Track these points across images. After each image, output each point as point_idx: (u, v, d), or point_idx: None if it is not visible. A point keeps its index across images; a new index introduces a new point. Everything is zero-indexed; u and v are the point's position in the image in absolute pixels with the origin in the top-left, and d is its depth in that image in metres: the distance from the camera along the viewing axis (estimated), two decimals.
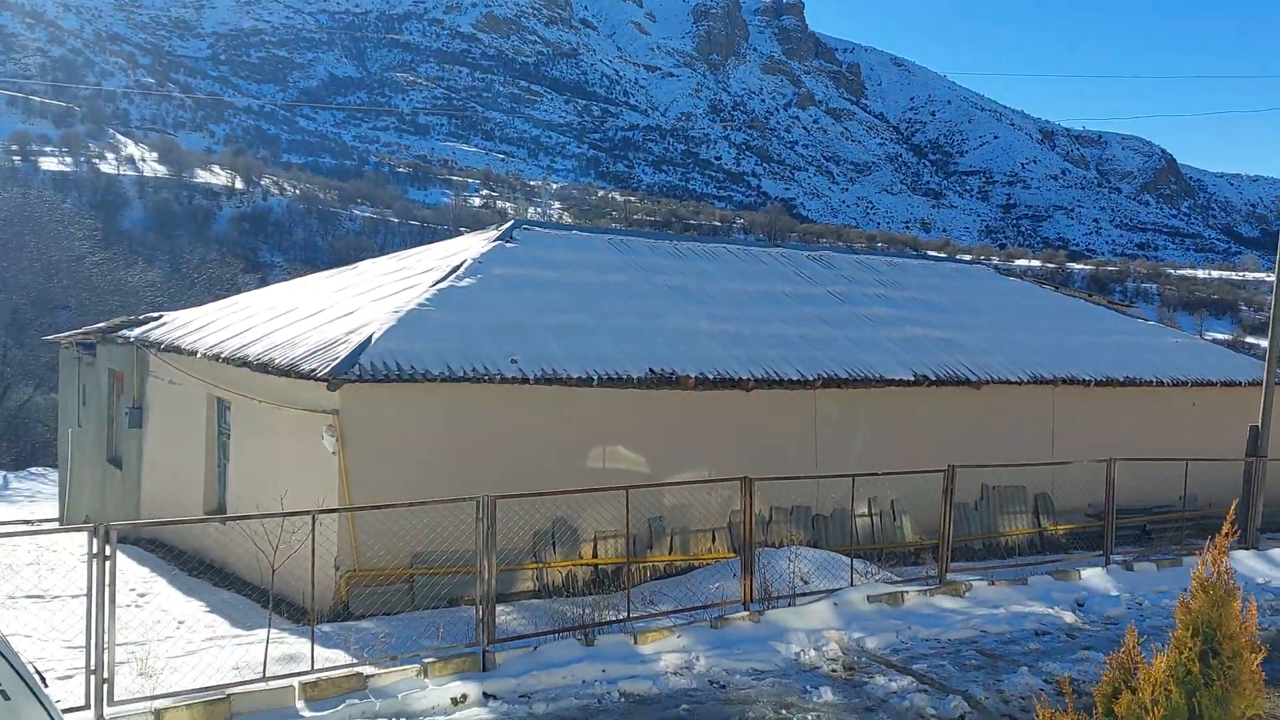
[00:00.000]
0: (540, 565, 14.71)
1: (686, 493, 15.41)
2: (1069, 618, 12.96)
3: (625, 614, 11.67)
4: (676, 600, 12.78)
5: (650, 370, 15.40)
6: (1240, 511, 17.61)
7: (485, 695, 9.56)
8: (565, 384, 14.73)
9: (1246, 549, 16.74)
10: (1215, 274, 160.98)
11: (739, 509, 15.97)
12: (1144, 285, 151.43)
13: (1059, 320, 22.59)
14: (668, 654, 10.86)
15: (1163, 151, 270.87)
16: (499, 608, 11.21)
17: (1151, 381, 20.25)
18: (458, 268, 17.00)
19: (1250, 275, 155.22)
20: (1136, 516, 18.90)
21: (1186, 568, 15.39)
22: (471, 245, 19.17)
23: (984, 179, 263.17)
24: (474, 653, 10.19)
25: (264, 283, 44.80)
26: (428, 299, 15.54)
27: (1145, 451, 18.40)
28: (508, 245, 18.56)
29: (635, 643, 11.02)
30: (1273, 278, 18.75)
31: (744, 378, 15.98)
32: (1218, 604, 3.29)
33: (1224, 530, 3.43)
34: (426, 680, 9.67)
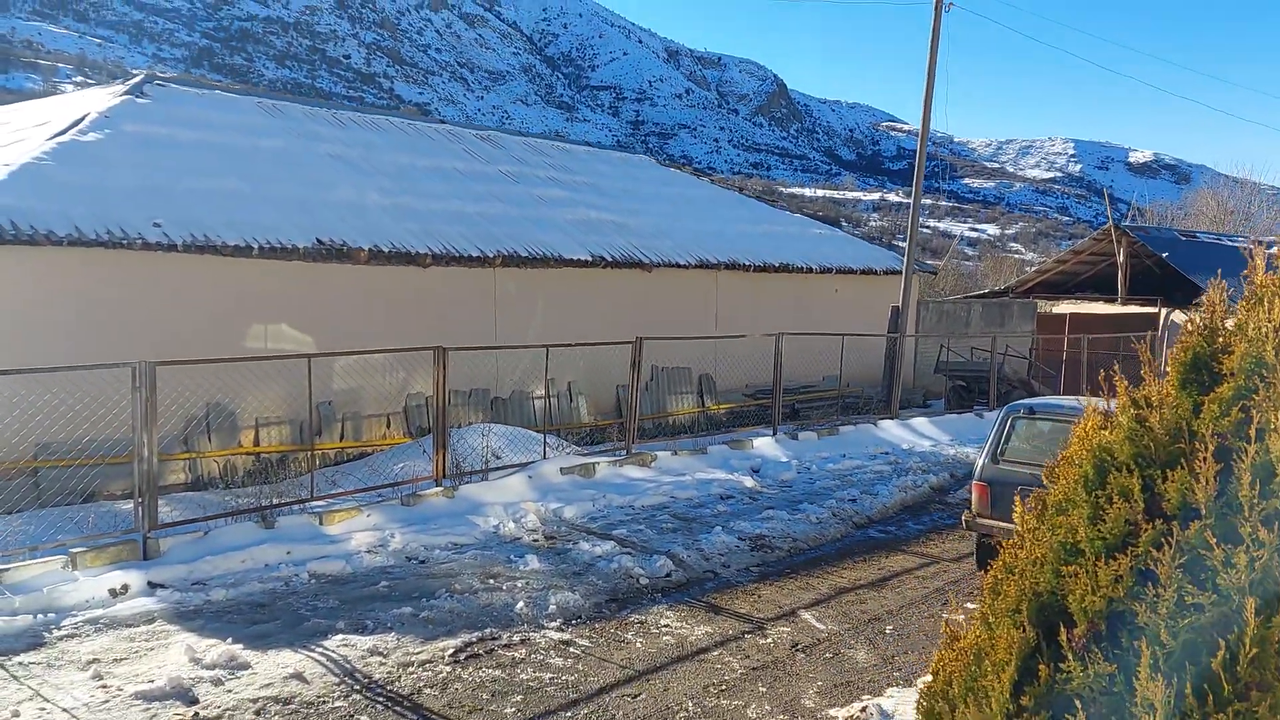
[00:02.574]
0: (194, 455, 13.19)
1: (359, 376, 14.36)
2: (749, 482, 13.39)
3: (309, 494, 10.62)
4: (360, 481, 11.87)
5: (318, 240, 14.08)
6: (884, 385, 19.05)
7: (151, 584, 8.30)
8: (220, 253, 13.16)
9: (891, 419, 18.06)
10: (820, 193, 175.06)
11: (415, 391, 15.20)
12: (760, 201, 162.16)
13: (718, 210, 23.27)
14: (359, 533, 10.01)
15: (775, 76, 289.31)
16: None
17: (802, 268, 21.38)
18: (79, 121, 14.67)
19: (850, 194, 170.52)
20: (788, 396, 19.98)
21: (842, 436, 16.44)
22: (94, 100, 16.62)
23: (614, 95, 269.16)
24: (133, 539, 8.83)
25: None
26: (45, 154, 13.28)
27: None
28: (140, 101, 16.25)
29: (321, 523, 10.06)
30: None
31: (421, 253, 15.03)
32: (1209, 337, 3.11)
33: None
34: (76, 572, 8.24)
